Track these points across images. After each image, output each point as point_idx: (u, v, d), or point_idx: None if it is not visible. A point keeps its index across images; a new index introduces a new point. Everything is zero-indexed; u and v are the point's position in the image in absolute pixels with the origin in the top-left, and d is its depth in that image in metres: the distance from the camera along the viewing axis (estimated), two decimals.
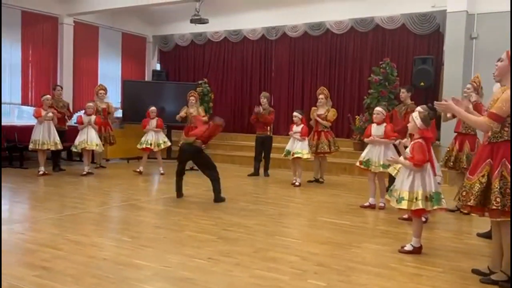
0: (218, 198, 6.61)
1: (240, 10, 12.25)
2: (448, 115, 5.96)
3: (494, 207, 3.38)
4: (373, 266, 3.96)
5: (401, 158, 4.43)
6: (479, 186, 3.48)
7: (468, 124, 5.96)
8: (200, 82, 12.38)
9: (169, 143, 9.66)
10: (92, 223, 5.43)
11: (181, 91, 11.12)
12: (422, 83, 9.63)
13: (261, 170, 9.53)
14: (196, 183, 7.66)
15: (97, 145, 9.03)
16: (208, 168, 6.73)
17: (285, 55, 12.07)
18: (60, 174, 9.15)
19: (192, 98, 9.80)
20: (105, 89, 10.25)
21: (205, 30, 12.56)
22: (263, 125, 9.42)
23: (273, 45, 12.26)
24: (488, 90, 5.95)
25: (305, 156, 8.18)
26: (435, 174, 4.36)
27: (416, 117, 4.35)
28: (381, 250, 4.47)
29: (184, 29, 12.94)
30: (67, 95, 10.91)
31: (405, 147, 4.54)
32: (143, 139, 9.31)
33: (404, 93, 7.38)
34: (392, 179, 5.88)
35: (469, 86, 6.17)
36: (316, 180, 8.72)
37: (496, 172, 3.41)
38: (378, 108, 6.58)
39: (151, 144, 9.20)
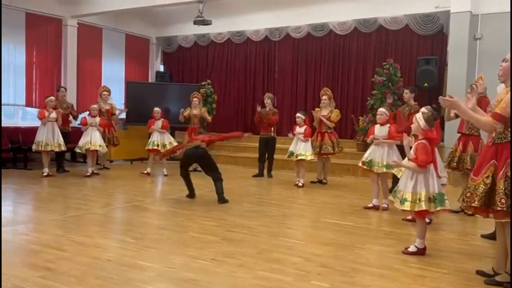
0: (222, 199, 6.62)
1: (243, 11, 12.26)
2: (452, 114, 5.93)
3: (498, 208, 3.36)
4: (376, 267, 3.95)
5: (404, 161, 4.41)
6: (484, 187, 3.46)
7: (471, 125, 5.94)
8: (203, 83, 12.40)
9: (175, 143, 9.66)
10: (96, 224, 5.45)
11: (185, 92, 11.13)
12: (425, 84, 9.61)
13: (265, 171, 9.54)
14: (199, 184, 7.66)
15: (100, 145, 9.05)
16: (211, 170, 6.76)
17: (289, 56, 12.07)
18: (64, 175, 9.17)
19: (195, 99, 9.82)
20: (108, 91, 10.27)
21: (209, 32, 12.59)
22: (267, 125, 9.43)
23: (277, 46, 12.27)
24: (492, 90, 5.91)
25: (309, 158, 8.18)
26: (437, 176, 4.34)
27: (419, 118, 4.34)
28: (384, 251, 4.46)
29: (188, 31, 12.99)
30: (71, 97, 10.96)
31: (410, 147, 4.52)
32: (149, 140, 9.34)
33: (407, 94, 7.37)
34: (396, 180, 5.87)
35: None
36: (320, 181, 8.72)
37: (501, 173, 3.39)
38: (381, 109, 6.57)
39: (158, 146, 9.22)
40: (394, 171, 5.95)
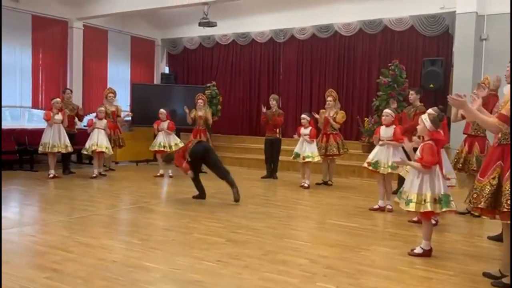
0: (237, 194, 6.68)
1: (248, 13, 12.26)
2: (458, 115, 5.89)
3: (505, 210, 3.34)
4: (382, 269, 3.94)
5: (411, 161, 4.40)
6: (490, 188, 3.45)
7: (477, 126, 5.91)
8: (208, 85, 12.41)
9: (181, 145, 9.66)
10: (101, 225, 5.46)
11: (190, 94, 11.15)
12: (431, 85, 9.57)
13: None
14: (205, 186, 7.66)
15: (106, 147, 9.08)
16: (217, 166, 6.89)
17: (293, 58, 12.06)
18: (70, 177, 9.20)
19: (200, 101, 9.83)
20: (114, 93, 10.30)
21: (214, 33, 12.60)
22: (273, 127, 9.43)
23: (281, 48, 12.26)
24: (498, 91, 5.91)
25: (316, 160, 8.18)
26: (443, 177, 4.32)
27: (425, 119, 4.32)
28: (390, 253, 4.45)
29: (193, 32, 13.01)
30: (77, 99, 10.99)
31: (415, 149, 4.51)
32: (154, 141, 9.36)
33: (413, 95, 7.35)
34: (401, 181, 5.85)
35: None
36: (325, 183, 8.70)
37: (507, 174, 3.37)
38: (387, 110, 6.54)
39: (164, 147, 9.25)
40: (401, 172, 5.93)
